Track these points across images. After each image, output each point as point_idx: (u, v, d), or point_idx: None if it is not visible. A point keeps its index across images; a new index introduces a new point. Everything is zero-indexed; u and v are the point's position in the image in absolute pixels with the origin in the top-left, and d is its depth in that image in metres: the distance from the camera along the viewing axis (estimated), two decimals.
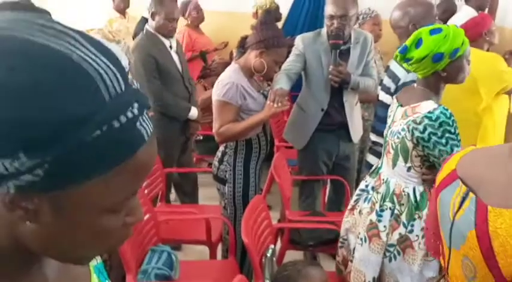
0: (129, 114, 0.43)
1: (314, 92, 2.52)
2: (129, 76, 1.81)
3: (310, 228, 2.36)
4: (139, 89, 0.50)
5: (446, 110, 1.52)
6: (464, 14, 3.69)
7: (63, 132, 0.40)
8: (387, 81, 2.16)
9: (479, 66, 2.72)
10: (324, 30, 2.46)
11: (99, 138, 0.41)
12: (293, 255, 2.39)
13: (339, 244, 1.97)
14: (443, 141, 1.52)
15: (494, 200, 0.83)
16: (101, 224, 0.46)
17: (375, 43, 3.08)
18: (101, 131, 0.41)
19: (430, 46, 1.52)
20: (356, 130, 2.64)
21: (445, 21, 3.96)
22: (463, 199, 0.89)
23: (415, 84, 1.71)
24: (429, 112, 1.53)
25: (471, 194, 0.87)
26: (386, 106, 2.16)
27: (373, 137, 2.32)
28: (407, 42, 1.59)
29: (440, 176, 0.98)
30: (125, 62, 1.71)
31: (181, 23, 4.06)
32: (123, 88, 0.44)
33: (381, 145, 2.21)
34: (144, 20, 3.27)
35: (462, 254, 0.91)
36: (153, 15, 2.68)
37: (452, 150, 1.52)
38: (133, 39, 3.31)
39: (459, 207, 0.90)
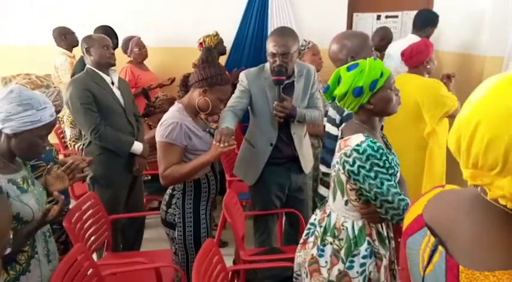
0: None
1: (262, 127, 2.49)
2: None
3: (267, 267, 2.28)
4: None
5: (374, 143, 1.52)
6: (407, 41, 3.82)
7: None
8: (332, 112, 2.18)
9: (422, 93, 2.83)
10: (268, 65, 2.46)
11: None
12: None
13: (294, 280, 1.91)
14: (372, 174, 1.51)
15: (463, 257, 0.73)
16: None
17: (317, 72, 3.14)
18: None
19: (348, 82, 1.56)
20: (307, 161, 2.63)
21: (384, 48, 4.14)
22: (433, 252, 0.80)
23: (353, 118, 1.72)
24: (357, 145, 1.53)
25: (440, 248, 0.78)
26: (333, 137, 2.17)
27: (322, 168, 2.31)
28: (330, 81, 1.63)
29: (407, 220, 0.90)
30: (50, 110, 1.60)
31: (125, 60, 3.99)
32: None
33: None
34: (83, 60, 3.16)
35: None
36: (88, 51, 2.67)
37: (382, 184, 1.52)
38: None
39: (428, 261, 0.81)
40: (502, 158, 0.65)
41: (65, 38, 4.04)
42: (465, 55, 3.88)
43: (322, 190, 2.30)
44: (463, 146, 0.70)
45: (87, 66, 2.71)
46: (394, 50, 3.69)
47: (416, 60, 2.91)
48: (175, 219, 2.11)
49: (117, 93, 2.74)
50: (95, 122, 2.59)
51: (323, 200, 2.23)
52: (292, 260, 2.21)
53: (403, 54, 2.98)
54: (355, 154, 1.52)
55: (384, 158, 1.52)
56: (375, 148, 1.51)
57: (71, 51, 4.08)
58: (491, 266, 0.66)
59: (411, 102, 2.89)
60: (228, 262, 2.67)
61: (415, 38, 3.73)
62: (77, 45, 4.01)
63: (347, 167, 1.55)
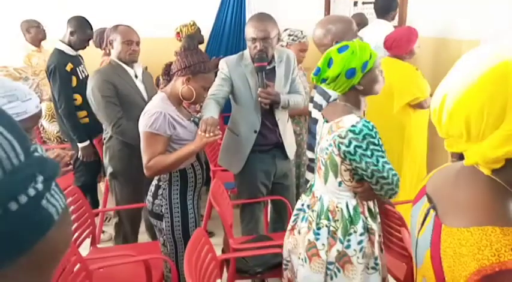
0: (31, 192, 0.36)
1: (245, 115, 2.48)
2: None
3: (257, 255, 2.29)
4: (44, 157, 0.40)
5: (368, 122, 1.56)
6: (378, 27, 3.89)
7: None
8: (318, 98, 2.17)
9: (396, 77, 2.90)
10: (247, 52, 2.43)
11: None
12: None
13: (283, 266, 1.94)
14: (369, 153, 1.55)
15: (447, 217, 0.80)
16: None
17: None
18: None
19: (341, 63, 1.58)
20: (290, 147, 2.64)
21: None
22: (426, 216, 0.87)
23: (338, 100, 1.75)
24: (352, 126, 1.56)
25: (432, 211, 0.85)
26: None
27: (309, 154, 2.31)
28: (319, 64, 1.64)
29: (416, 193, 0.99)
30: (35, 101, 1.54)
31: (97, 55, 3.87)
32: (22, 159, 0.37)
33: None
34: (57, 52, 3.05)
35: (421, 273, 0.88)
36: (111, 44, 2.64)
37: (378, 161, 1.56)
38: (46, 72, 3.04)
39: (422, 225, 0.89)
40: (464, 127, 0.72)
41: (28, 32, 3.82)
42: (442, 40, 3.93)
43: (309, 176, 2.31)
44: (435, 117, 0.79)
45: (111, 58, 2.67)
46: (366, 35, 3.74)
47: (406, 48, 2.98)
48: (162, 210, 2.08)
49: (141, 86, 2.70)
50: (116, 116, 2.55)
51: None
52: (281, 246, 2.22)
53: (386, 43, 3.01)
54: (351, 135, 1.55)
55: (378, 136, 1.57)
56: (370, 127, 1.55)
57: (38, 45, 3.91)
58: (467, 224, 0.73)
59: (387, 85, 2.97)
60: (216, 252, 2.67)
61: (384, 23, 3.84)
62: (44, 38, 3.83)
63: (343, 148, 1.57)
